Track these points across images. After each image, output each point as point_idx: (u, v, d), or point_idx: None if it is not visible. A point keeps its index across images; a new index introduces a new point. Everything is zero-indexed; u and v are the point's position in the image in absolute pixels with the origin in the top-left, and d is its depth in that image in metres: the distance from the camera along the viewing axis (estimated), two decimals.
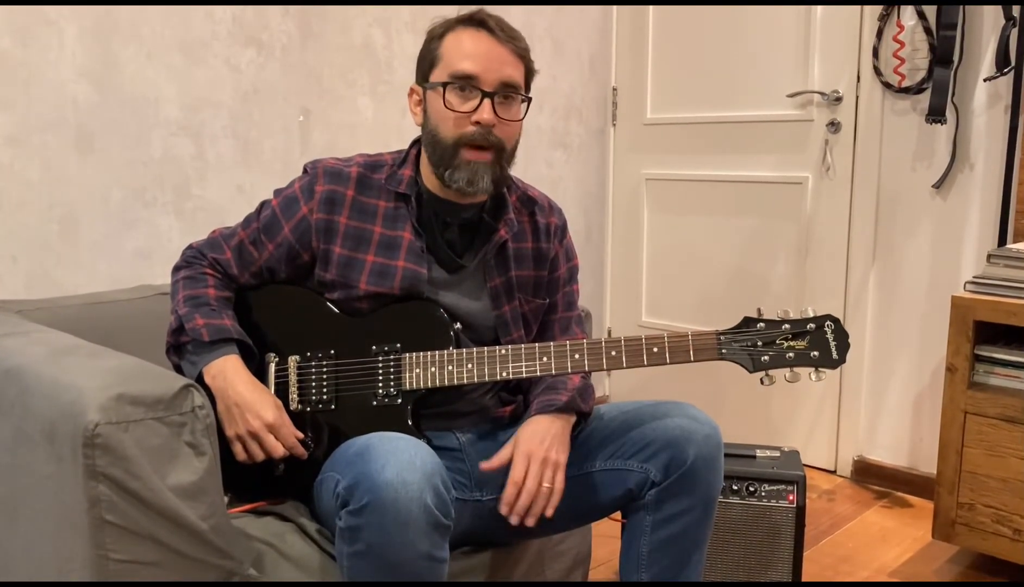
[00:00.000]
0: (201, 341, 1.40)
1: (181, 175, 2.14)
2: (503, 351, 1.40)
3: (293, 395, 1.44)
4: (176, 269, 1.52)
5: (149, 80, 2.06)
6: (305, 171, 1.50)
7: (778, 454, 2.00)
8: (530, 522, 1.37)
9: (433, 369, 1.41)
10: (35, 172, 1.91)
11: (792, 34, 2.79)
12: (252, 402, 1.37)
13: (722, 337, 1.38)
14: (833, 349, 1.38)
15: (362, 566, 1.19)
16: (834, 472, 2.85)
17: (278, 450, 1.38)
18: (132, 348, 1.37)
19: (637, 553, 1.44)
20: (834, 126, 2.73)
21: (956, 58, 2.45)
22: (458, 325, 1.46)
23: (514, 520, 1.37)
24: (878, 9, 2.59)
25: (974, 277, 2.13)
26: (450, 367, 1.41)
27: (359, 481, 1.17)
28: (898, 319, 2.68)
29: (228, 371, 1.39)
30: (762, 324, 1.39)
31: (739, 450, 2.00)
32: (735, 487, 1.91)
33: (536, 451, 1.38)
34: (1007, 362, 2.08)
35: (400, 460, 1.17)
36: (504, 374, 1.41)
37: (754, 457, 1.98)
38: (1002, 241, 2.41)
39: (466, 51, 1.39)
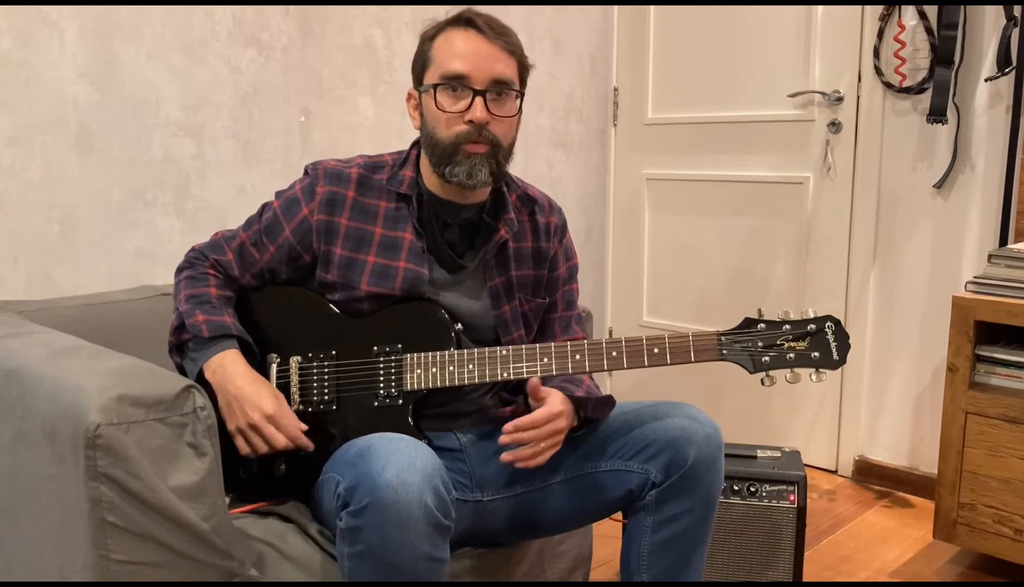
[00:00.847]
0: (201, 337, 1.41)
1: (181, 175, 2.14)
2: (504, 352, 1.40)
3: (294, 396, 1.44)
4: (179, 270, 1.53)
5: (149, 80, 2.06)
6: (306, 172, 1.51)
7: (779, 454, 2.00)
8: (505, 457, 1.36)
9: (434, 370, 1.41)
10: (36, 173, 1.91)
11: (793, 34, 2.79)
12: (251, 394, 1.37)
13: (723, 338, 1.38)
14: (834, 350, 1.38)
15: (363, 567, 1.19)
16: (835, 472, 2.85)
17: (279, 440, 1.37)
18: (133, 349, 1.37)
19: (638, 553, 1.44)
20: (835, 126, 2.72)
21: (957, 58, 2.45)
22: (459, 325, 1.46)
23: (505, 456, 1.36)
24: (879, 9, 2.59)
25: (975, 277, 2.13)
26: (451, 368, 1.41)
27: (360, 482, 1.17)
28: (899, 319, 2.68)
29: (227, 365, 1.39)
30: (763, 325, 1.39)
31: (740, 450, 2.00)
32: (736, 487, 1.91)
33: (565, 413, 1.37)
34: (1008, 362, 2.08)
35: (400, 461, 1.17)
36: (505, 374, 1.41)
37: (755, 457, 1.98)
38: (1003, 241, 2.41)
39: (455, 51, 1.39)
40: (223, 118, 2.20)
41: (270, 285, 1.52)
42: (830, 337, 1.38)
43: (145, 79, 2.05)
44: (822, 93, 2.73)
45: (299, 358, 1.46)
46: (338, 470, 1.27)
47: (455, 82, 1.39)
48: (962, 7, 2.41)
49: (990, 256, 2.13)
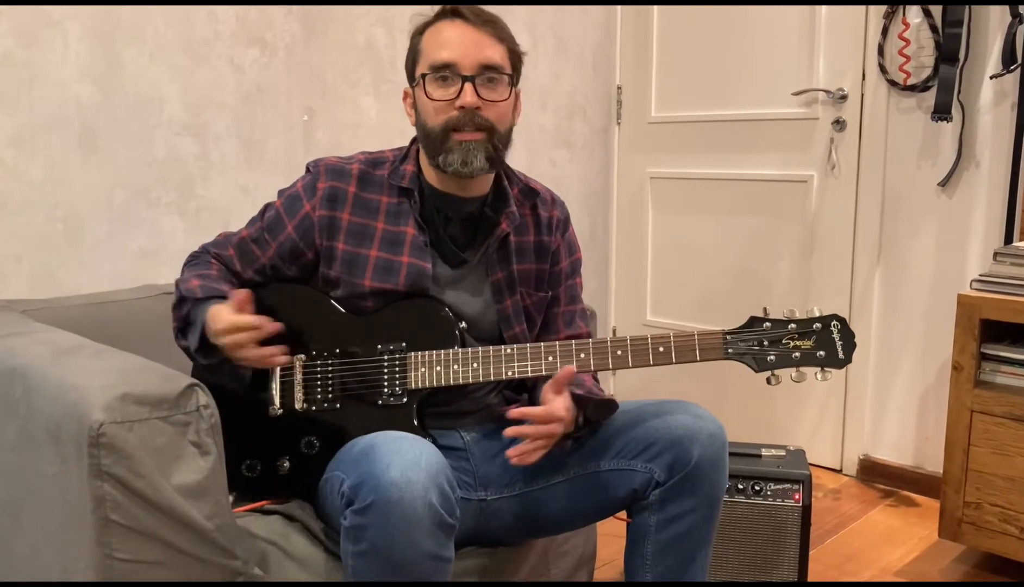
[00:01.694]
0: (195, 298, 1.39)
1: (185, 175, 2.14)
2: (508, 350, 1.40)
3: (299, 394, 1.44)
4: (184, 267, 1.54)
5: (152, 80, 2.06)
6: (307, 170, 1.51)
7: (783, 453, 1.99)
8: (513, 433, 1.35)
9: (438, 368, 1.41)
10: (39, 172, 1.91)
11: (797, 32, 2.78)
12: (212, 322, 1.34)
13: (728, 337, 1.38)
14: (839, 349, 1.38)
15: (367, 565, 1.19)
16: (840, 471, 2.85)
17: (241, 338, 1.32)
18: (136, 347, 1.37)
19: (642, 553, 1.44)
20: (839, 124, 2.72)
21: (962, 56, 2.44)
22: (463, 324, 1.46)
23: (510, 431, 1.35)
24: (883, 7, 2.58)
25: (980, 275, 2.13)
26: (455, 366, 1.41)
27: (364, 480, 1.17)
28: (904, 317, 2.67)
29: (209, 319, 1.36)
30: (768, 324, 1.38)
31: (744, 449, 2.00)
32: (740, 486, 1.91)
33: (568, 418, 1.37)
34: (1013, 360, 2.08)
35: (405, 459, 1.17)
36: (509, 373, 1.40)
37: (759, 456, 1.98)
38: (1008, 239, 2.40)
39: (442, 41, 1.40)
40: (226, 118, 2.20)
41: (274, 283, 1.51)
42: (836, 336, 1.38)
43: (148, 79, 2.05)
44: (826, 91, 2.73)
45: (303, 357, 1.45)
46: (342, 468, 1.27)
47: (444, 71, 1.39)
48: (967, 5, 2.41)
49: (995, 254, 2.12)
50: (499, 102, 1.42)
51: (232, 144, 2.22)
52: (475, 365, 1.41)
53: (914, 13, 2.53)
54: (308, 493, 1.43)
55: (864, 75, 2.66)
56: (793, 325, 1.38)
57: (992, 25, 2.41)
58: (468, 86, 1.38)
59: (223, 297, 1.39)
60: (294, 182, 1.52)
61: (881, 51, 2.60)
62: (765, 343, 1.38)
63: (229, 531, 1.20)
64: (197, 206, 2.17)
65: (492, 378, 1.41)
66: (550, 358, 1.39)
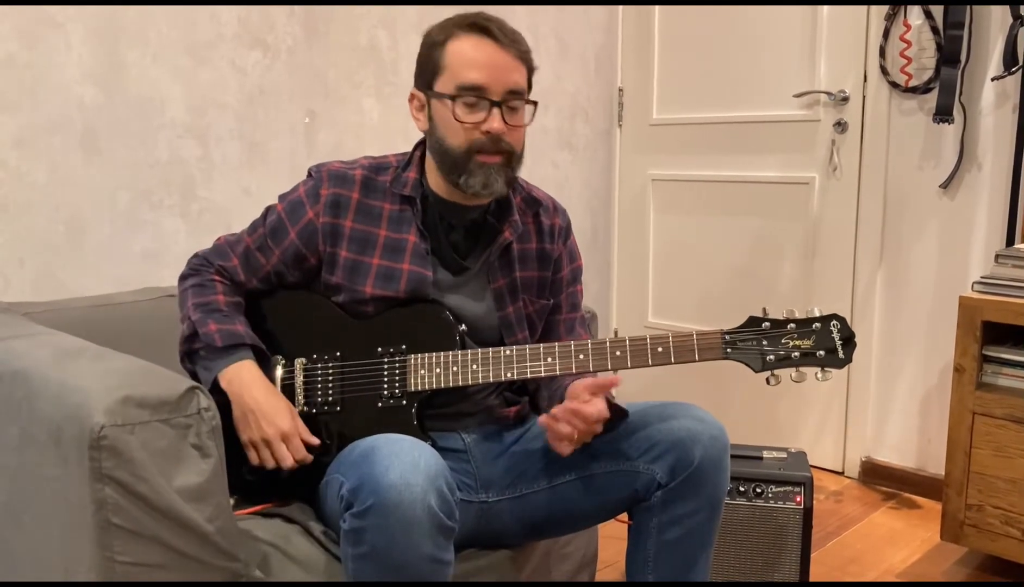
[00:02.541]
0: (214, 346, 1.40)
1: (187, 177, 2.14)
2: (508, 352, 1.40)
3: (299, 397, 1.44)
4: (183, 278, 1.52)
5: (155, 82, 2.06)
6: (309, 175, 1.50)
7: (785, 455, 1.99)
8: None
9: (438, 370, 1.41)
10: (42, 174, 1.91)
11: (798, 34, 2.78)
12: (269, 410, 1.37)
13: (727, 336, 1.38)
14: (839, 348, 1.37)
15: (367, 568, 1.19)
16: (841, 473, 2.84)
17: (287, 461, 1.37)
18: (138, 350, 1.37)
19: (644, 554, 1.44)
20: (841, 126, 2.72)
21: (963, 57, 2.44)
22: (463, 327, 1.46)
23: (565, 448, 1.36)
24: (884, 8, 2.58)
25: (982, 277, 2.13)
26: (455, 368, 1.41)
27: (363, 483, 1.17)
28: (905, 319, 2.67)
29: (244, 376, 1.39)
30: (767, 323, 1.38)
31: (746, 451, 1.99)
32: (742, 488, 1.90)
33: (596, 426, 1.37)
34: (1015, 362, 2.07)
35: (404, 462, 1.17)
36: (509, 375, 1.40)
37: (761, 458, 1.98)
38: (1010, 241, 2.40)
39: (472, 60, 1.38)
40: (228, 119, 2.20)
41: (276, 288, 1.51)
42: (835, 335, 1.38)
43: (151, 81, 2.06)
44: (828, 93, 2.73)
45: (304, 359, 1.46)
46: (342, 471, 1.27)
47: (472, 93, 1.38)
48: (968, 6, 2.41)
49: (997, 256, 2.12)
50: (520, 127, 1.42)
51: (234, 146, 2.22)
52: (475, 367, 1.41)
53: (915, 15, 2.53)
54: (309, 496, 1.43)
55: (866, 77, 2.66)
56: (792, 325, 1.38)
57: (993, 27, 2.41)
58: (496, 112, 1.38)
59: (242, 344, 1.41)
60: (295, 186, 1.51)
61: (882, 53, 2.59)
62: (764, 343, 1.38)
63: (230, 533, 1.20)
64: (199, 208, 2.17)
65: (492, 380, 1.41)
66: (549, 359, 1.40)
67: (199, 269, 1.51)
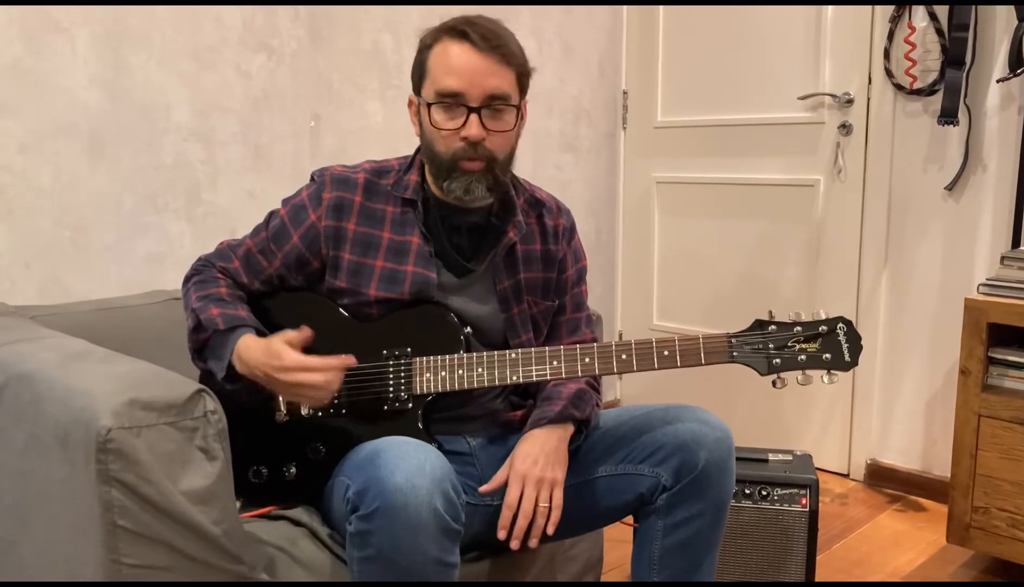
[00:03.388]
0: (218, 331, 1.39)
1: (192, 180, 2.15)
2: (513, 355, 1.40)
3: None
4: (186, 279, 1.52)
5: (160, 86, 2.07)
6: (312, 179, 1.51)
7: (790, 458, 1.99)
8: (532, 543, 1.37)
9: (443, 373, 1.41)
10: (47, 178, 1.92)
11: (803, 36, 2.78)
12: (265, 358, 1.32)
13: (733, 340, 1.37)
14: (845, 351, 1.37)
15: (372, 571, 1.19)
16: (847, 476, 2.84)
17: (317, 378, 1.31)
18: (144, 353, 1.37)
19: (649, 557, 1.44)
20: (845, 128, 2.72)
21: (968, 59, 2.44)
22: (468, 329, 1.46)
23: (514, 544, 1.36)
24: (889, 10, 2.58)
25: (987, 279, 2.12)
26: (460, 371, 1.41)
27: (369, 486, 1.17)
28: (910, 322, 2.67)
29: (242, 351, 1.36)
30: (773, 326, 1.38)
31: (751, 454, 1.99)
32: (747, 491, 1.90)
33: (530, 472, 1.37)
34: (1021, 364, 2.07)
35: (410, 465, 1.17)
36: (514, 378, 1.40)
37: (766, 461, 1.97)
38: (1015, 243, 2.40)
39: (449, 67, 1.37)
40: (233, 123, 2.21)
41: (280, 290, 1.52)
42: (842, 338, 1.37)
43: (155, 85, 2.06)
44: (832, 95, 2.73)
45: None
46: (348, 474, 1.27)
47: (449, 99, 1.38)
48: (973, 8, 2.40)
49: (1002, 258, 2.12)
50: (503, 132, 1.41)
51: (239, 149, 2.23)
52: (480, 370, 1.41)
53: (920, 16, 2.53)
54: (314, 499, 1.43)
55: (870, 79, 2.65)
56: (799, 328, 1.38)
57: (998, 28, 2.40)
58: (474, 118, 1.37)
59: (244, 325, 1.39)
60: (299, 190, 1.51)
61: (887, 55, 2.59)
62: (770, 346, 1.38)
63: (236, 536, 1.21)
64: (204, 211, 2.18)
65: (497, 383, 1.41)
66: (555, 362, 1.40)
67: (201, 269, 1.52)
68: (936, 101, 2.50)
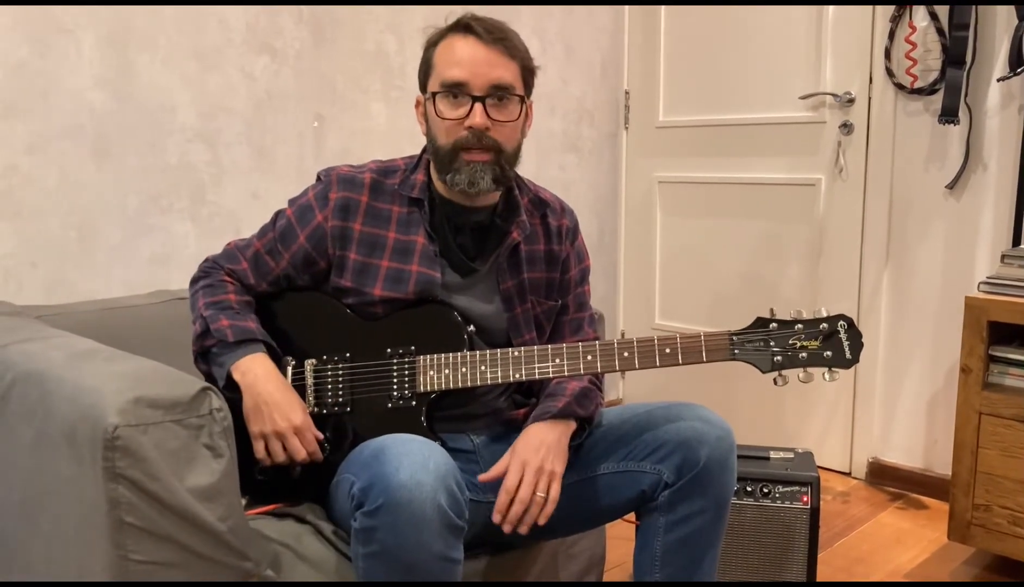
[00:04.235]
0: (226, 341, 1.41)
1: (197, 181, 2.16)
2: (516, 353, 1.41)
3: (309, 398, 1.45)
4: (194, 280, 1.53)
5: (164, 87, 2.08)
6: (319, 179, 1.52)
7: (792, 456, 2.00)
8: (523, 530, 1.37)
9: (447, 371, 1.42)
10: (53, 179, 1.93)
11: (804, 36, 2.79)
12: (281, 402, 1.38)
13: (735, 337, 1.38)
14: (847, 349, 1.38)
15: (377, 567, 1.20)
16: (848, 474, 2.84)
17: (300, 453, 1.39)
18: (150, 352, 1.38)
19: (651, 554, 1.45)
20: (846, 128, 2.72)
21: (969, 58, 2.44)
22: (471, 327, 1.47)
23: (507, 528, 1.37)
24: (890, 10, 2.58)
25: (988, 278, 2.13)
26: (464, 369, 1.42)
27: (373, 482, 1.18)
28: (912, 320, 2.67)
29: (257, 369, 1.40)
30: (775, 324, 1.39)
31: (753, 452, 2.00)
32: (749, 489, 1.91)
33: (531, 460, 1.38)
34: (1021, 362, 2.07)
35: (414, 461, 1.18)
36: (517, 376, 1.41)
37: (768, 459, 1.98)
38: (1016, 241, 2.40)
39: (454, 58, 1.40)
40: (237, 124, 2.22)
41: (286, 290, 1.53)
42: (843, 336, 1.38)
43: (160, 86, 2.07)
44: (833, 95, 2.73)
45: (314, 361, 1.47)
46: (352, 471, 1.28)
47: (454, 89, 1.39)
48: (973, 7, 2.41)
49: (1003, 256, 2.12)
50: (508, 122, 1.42)
51: (243, 150, 2.24)
52: (483, 368, 1.42)
53: (921, 16, 2.53)
54: (319, 495, 1.44)
55: (871, 78, 2.66)
56: (800, 325, 1.38)
57: (999, 27, 2.41)
58: (478, 107, 1.39)
59: (253, 339, 1.42)
60: (305, 191, 1.52)
61: (888, 54, 2.60)
62: (772, 344, 1.38)
63: (242, 533, 1.21)
64: (209, 212, 2.19)
65: (500, 381, 1.42)
66: (558, 360, 1.40)
67: (209, 272, 1.53)
68: (937, 100, 2.51)
